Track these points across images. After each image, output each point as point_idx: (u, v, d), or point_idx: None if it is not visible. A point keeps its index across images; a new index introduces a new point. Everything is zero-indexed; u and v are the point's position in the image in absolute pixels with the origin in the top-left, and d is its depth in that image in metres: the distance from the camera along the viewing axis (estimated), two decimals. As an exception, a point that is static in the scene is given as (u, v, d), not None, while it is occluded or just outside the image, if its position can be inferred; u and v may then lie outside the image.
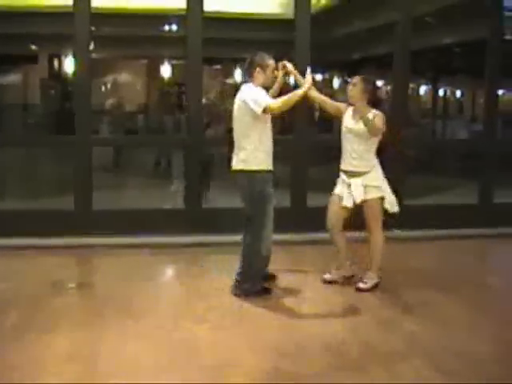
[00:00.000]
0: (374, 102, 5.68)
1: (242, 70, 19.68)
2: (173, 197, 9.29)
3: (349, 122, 5.72)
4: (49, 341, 4.46)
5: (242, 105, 5.44)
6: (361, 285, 5.77)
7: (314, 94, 5.91)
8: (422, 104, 26.75)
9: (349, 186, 5.68)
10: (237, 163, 5.51)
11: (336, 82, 25.17)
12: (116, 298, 5.46)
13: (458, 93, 28.96)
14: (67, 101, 17.27)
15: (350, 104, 5.74)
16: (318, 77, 24.62)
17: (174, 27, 17.20)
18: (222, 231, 7.34)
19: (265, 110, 5.31)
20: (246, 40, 17.39)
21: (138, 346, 4.44)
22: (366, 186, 5.62)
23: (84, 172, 7.38)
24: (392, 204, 5.71)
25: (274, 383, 3.93)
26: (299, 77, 5.91)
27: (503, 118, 12.85)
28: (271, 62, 5.57)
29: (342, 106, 5.87)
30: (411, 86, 17.11)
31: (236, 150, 5.54)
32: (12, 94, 21.12)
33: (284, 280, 6.00)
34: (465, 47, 17.49)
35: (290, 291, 5.73)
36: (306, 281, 6.06)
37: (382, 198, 5.66)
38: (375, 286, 5.78)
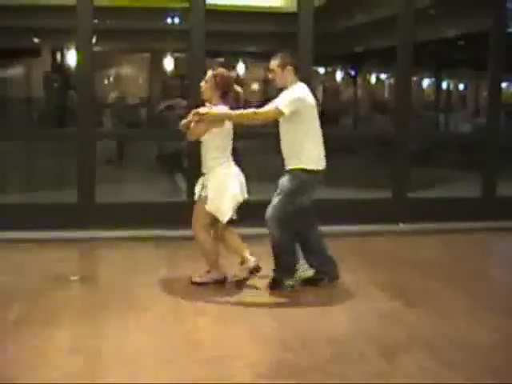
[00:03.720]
0: (226, 94, 5.57)
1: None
2: (176, 190, 9.28)
3: None
4: (51, 334, 4.47)
5: None
6: (196, 278, 5.65)
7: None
8: (425, 97, 26.70)
9: None
10: None
11: (339, 75, 25.16)
12: (118, 291, 5.47)
13: (461, 86, 28.88)
14: (70, 94, 17.24)
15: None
16: (321, 70, 24.59)
17: (177, 20, 17.16)
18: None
19: None
20: (249, 33, 17.34)
21: (139, 338, 4.46)
22: (202, 184, 5.53)
23: (87, 165, 7.38)
24: (217, 209, 5.40)
25: (276, 375, 3.93)
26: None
27: (507, 111, 12.78)
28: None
29: None
30: (414, 78, 17.06)
31: None
32: (15, 88, 21.11)
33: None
34: (468, 40, 17.42)
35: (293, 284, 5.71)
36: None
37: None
38: (214, 282, 5.58)
